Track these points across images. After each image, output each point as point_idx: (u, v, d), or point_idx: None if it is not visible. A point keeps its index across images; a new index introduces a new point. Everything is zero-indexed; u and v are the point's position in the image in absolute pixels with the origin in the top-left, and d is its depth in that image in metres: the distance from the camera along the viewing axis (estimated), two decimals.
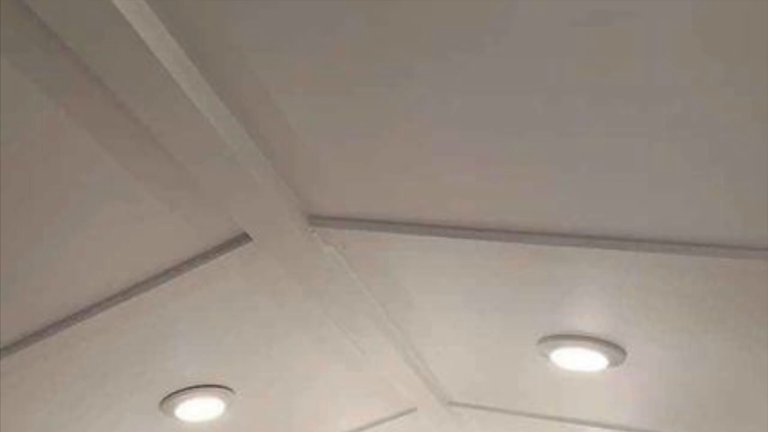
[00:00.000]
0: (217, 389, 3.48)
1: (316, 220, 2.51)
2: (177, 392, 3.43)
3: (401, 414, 4.03)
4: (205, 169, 2.17)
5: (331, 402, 3.93)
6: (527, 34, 1.66)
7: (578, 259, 2.42)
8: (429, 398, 3.78)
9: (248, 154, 2.15)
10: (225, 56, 1.87)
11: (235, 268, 2.72)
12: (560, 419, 3.87)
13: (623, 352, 3.02)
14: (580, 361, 3.12)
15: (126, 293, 2.75)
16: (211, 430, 3.76)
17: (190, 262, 2.67)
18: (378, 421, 4.09)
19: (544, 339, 3.05)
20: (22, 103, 1.93)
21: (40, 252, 2.46)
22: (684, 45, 1.62)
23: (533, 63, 1.74)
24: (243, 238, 2.59)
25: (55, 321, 2.81)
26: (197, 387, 3.44)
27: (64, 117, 1.99)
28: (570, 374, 3.29)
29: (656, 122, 1.84)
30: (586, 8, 1.57)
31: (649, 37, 1.62)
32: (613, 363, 3.07)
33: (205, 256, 2.65)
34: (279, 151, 2.21)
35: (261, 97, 1.99)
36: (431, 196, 2.30)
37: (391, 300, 2.97)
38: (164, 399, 3.45)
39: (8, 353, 2.87)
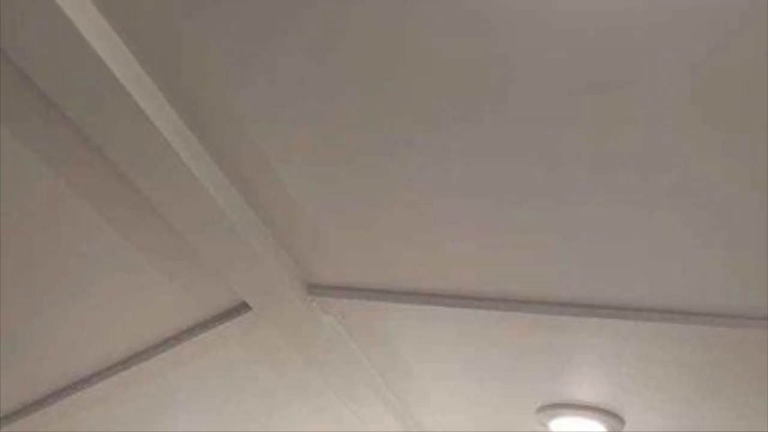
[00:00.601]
0: None
1: (315, 289, 2.46)
2: None
3: None
4: (204, 239, 2.11)
5: None
6: (526, 103, 1.61)
7: (577, 328, 2.37)
8: None
9: (248, 223, 2.11)
10: (224, 125, 1.83)
11: (234, 338, 2.67)
12: None
13: (621, 421, 2.96)
14: (579, 430, 3.04)
15: (126, 362, 2.70)
16: None
17: (190, 332, 2.61)
18: None
19: (543, 408, 2.99)
20: (22, 173, 1.89)
21: (41, 321, 2.41)
22: (683, 114, 1.58)
23: (532, 132, 1.69)
24: (242, 307, 2.54)
25: (55, 390, 2.75)
26: None
27: (64, 187, 1.94)
28: None
29: (656, 191, 1.79)
30: (584, 77, 1.53)
31: (648, 106, 1.57)
32: None
33: (204, 325, 2.60)
34: (278, 220, 2.16)
35: (260, 166, 1.94)
36: (431, 264, 2.25)
37: (391, 369, 2.92)
38: None
39: (8, 422, 2.81)
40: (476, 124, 1.70)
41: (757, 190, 1.73)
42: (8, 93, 1.67)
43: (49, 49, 1.52)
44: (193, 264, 2.32)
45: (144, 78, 1.67)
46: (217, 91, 1.72)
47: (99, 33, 1.52)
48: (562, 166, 1.77)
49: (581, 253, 2.06)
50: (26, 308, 2.34)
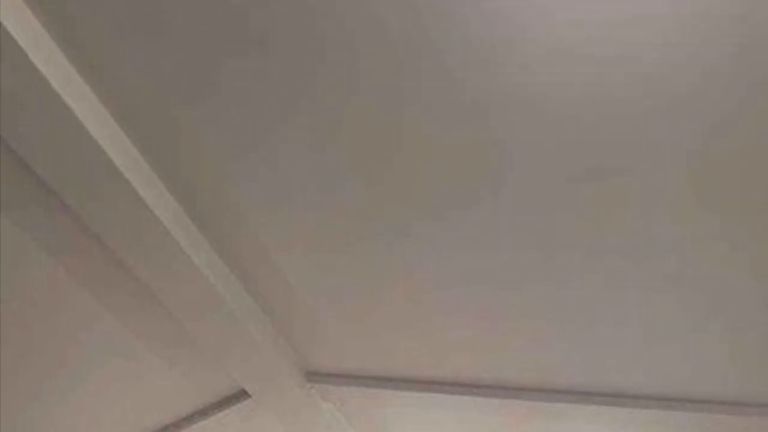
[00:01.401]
0: None
1: (314, 376, 2.37)
2: None
3: None
4: (204, 326, 2.03)
5: None
6: (524, 189, 1.55)
7: (574, 415, 2.27)
8: None
9: (247, 311, 2.03)
10: (224, 214, 1.76)
11: (234, 425, 2.58)
12: None
13: None
14: None
15: None
16: None
17: (189, 419, 2.53)
18: None
19: None
20: (21, 261, 1.82)
21: (40, 408, 2.32)
22: (679, 200, 1.52)
23: (529, 218, 1.63)
24: (242, 394, 2.46)
25: None
26: None
27: (63, 275, 1.88)
28: None
29: (652, 277, 1.72)
30: (582, 164, 1.48)
31: (644, 193, 1.51)
32: None
33: (203, 412, 2.52)
34: (278, 308, 2.08)
35: (260, 254, 1.88)
36: (429, 352, 2.16)
37: None
38: None
39: None
40: (474, 212, 1.63)
41: (754, 275, 1.66)
42: (8, 181, 1.62)
43: (49, 136, 1.47)
44: (193, 351, 2.24)
45: (143, 166, 1.61)
46: (216, 179, 1.66)
47: (98, 121, 1.47)
48: (559, 253, 1.71)
49: (578, 339, 1.98)
50: (25, 395, 2.25)
